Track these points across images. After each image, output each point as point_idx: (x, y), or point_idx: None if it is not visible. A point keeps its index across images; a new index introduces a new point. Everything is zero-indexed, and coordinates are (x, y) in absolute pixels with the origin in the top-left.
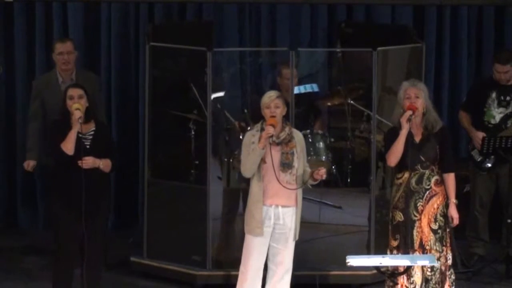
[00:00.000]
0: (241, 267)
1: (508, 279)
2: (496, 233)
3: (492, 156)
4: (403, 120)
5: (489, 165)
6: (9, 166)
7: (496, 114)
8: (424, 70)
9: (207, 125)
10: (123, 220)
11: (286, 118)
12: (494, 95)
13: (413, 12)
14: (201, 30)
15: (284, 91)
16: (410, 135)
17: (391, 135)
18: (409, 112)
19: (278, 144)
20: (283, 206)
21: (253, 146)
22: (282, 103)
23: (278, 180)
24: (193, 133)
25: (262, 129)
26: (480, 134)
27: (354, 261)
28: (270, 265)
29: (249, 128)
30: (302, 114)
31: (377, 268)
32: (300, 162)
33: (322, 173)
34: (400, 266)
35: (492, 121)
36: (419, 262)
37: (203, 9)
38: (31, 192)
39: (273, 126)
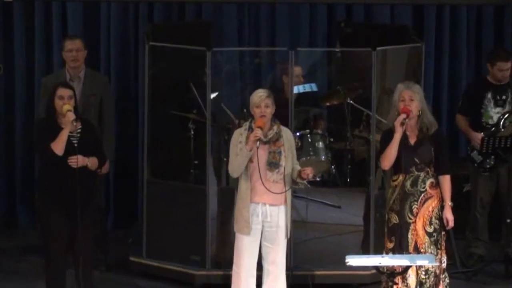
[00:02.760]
0: (234, 267)
1: (508, 279)
2: (496, 233)
3: (492, 156)
4: (397, 123)
5: (490, 165)
6: (8, 165)
7: (494, 114)
8: (423, 69)
9: (207, 125)
10: (122, 220)
11: (275, 116)
12: (489, 95)
13: (413, 12)
14: (201, 29)
15: (288, 87)
16: (405, 138)
17: (386, 137)
18: (403, 116)
19: (265, 143)
20: (271, 205)
21: (240, 146)
22: (272, 103)
23: (262, 181)
24: (192, 132)
25: (250, 128)
26: (479, 135)
27: (353, 260)
28: (264, 264)
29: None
30: (301, 113)
31: (376, 268)
32: (288, 161)
33: (308, 172)
34: (398, 266)
35: (490, 122)
36: (419, 262)
37: (202, 8)
38: (31, 191)
39: (261, 128)
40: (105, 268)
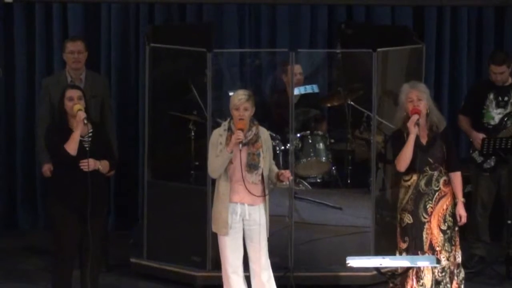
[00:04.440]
0: (222, 268)
1: (509, 280)
2: (497, 234)
3: (493, 157)
4: (411, 125)
5: (490, 165)
6: (9, 166)
7: (495, 115)
8: (424, 71)
9: (207, 126)
10: (123, 221)
11: (277, 116)
12: (492, 96)
13: (413, 13)
14: (201, 31)
15: (289, 88)
16: (416, 138)
17: (397, 139)
18: (416, 116)
19: (244, 144)
20: (249, 205)
21: (220, 147)
22: (251, 105)
23: (244, 183)
24: (193, 134)
25: (229, 128)
26: (480, 136)
27: (354, 262)
28: (250, 264)
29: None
30: (302, 115)
31: (377, 269)
32: (266, 162)
33: (287, 175)
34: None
35: (492, 122)
36: (419, 263)
37: (203, 10)
38: (31, 193)
39: (242, 130)
40: (106, 269)
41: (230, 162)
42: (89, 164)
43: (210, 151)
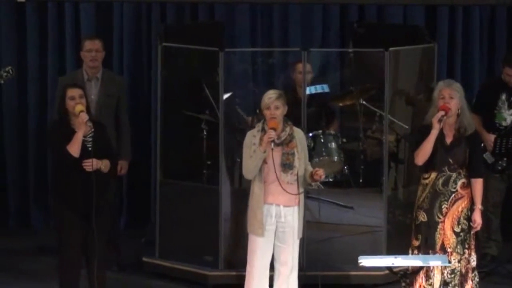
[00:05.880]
0: (247, 267)
1: None
2: (509, 234)
3: (505, 158)
4: (435, 120)
5: (502, 167)
6: (22, 166)
7: (507, 116)
8: (436, 70)
9: (220, 125)
10: (135, 220)
11: (287, 116)
12: (504, 97)
13: (425, 12)
14: (213, 30)
15: (299, 87)
16: (441, 136)
17: (422, 133)
18: (441, 113)
19: (278, 144)
20: (285, 206)
21: (254, 148)
22: (282, 104)
23: (280, 182)
24: (205, 133)
25: (263, 129)
26: (492, 137)
27: (366, 261)
28: (275, 265)
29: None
30: (314, 114)
31: (389, 268)
32: (301, 162)
33: (320, 173)
34: (411, 267)
35: (504, 123)
36: (431, 263)
37: (215, 9)
38: (44, 192)
39: (274, 129)
40: (117, 268)
41: (264, 162)
42: (93, 164)
43: (244, 152)
